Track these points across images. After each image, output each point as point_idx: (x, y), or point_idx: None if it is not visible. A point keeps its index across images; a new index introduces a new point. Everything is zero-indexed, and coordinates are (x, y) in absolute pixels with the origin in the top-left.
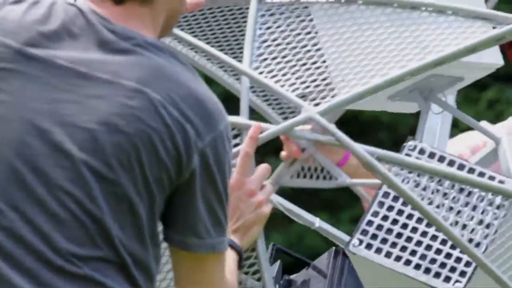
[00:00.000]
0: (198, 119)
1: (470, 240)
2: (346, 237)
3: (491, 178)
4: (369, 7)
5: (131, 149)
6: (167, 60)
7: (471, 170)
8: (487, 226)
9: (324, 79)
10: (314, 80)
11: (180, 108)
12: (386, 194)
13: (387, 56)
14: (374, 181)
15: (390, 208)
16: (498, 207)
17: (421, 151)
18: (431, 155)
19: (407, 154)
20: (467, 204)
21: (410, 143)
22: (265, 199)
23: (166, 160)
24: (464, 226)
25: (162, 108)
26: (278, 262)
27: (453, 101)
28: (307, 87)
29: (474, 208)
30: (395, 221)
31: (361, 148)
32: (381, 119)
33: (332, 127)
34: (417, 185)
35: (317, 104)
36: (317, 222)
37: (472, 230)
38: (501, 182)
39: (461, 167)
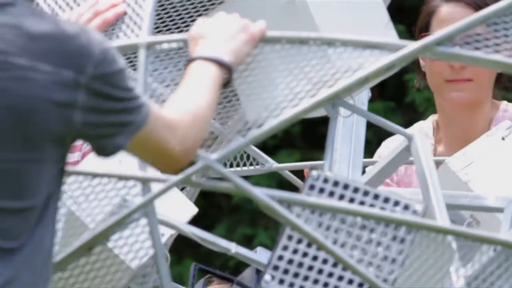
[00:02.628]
0: (63, 60)
1: (378, 276)
2: (264, 260)
3: (396, 203)
4: (257, 45)
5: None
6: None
7: (376, 197)
8: (393, 261)
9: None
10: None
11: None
12: None
13: (279, 95)
14: (303, 164)
15: (299, 241)
16: (402, 241)
17: (325, 181)
18: (335, 184)
19: (311, 185)
20: (370, 240)
21: (313, 173)
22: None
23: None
24: (369, 263)
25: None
26: (201, 281)
27: (366, 99)
28: None
29: (378, 244)
30: (305, 254)
31: (260, 193)
32: None
33: (230, 174)
34: (320, 224)
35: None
36: (234, 248)
37: (378, 266)
38: (406, 207)
39: (365, 193)
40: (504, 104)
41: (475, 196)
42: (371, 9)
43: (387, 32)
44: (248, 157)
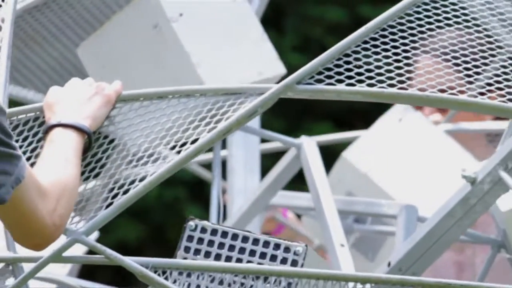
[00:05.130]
0: None
1: None
2: None
3: (277, 246)
4: (115, 106)
5: None
6: None
7: (256, 241)
8: None
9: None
10: None
11: None
12: None
13: (143, 156)
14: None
15: None
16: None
17: (203, 230)
18: (214, 232)
19: (189, 236)
20: None
21: (191, 224)
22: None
23: None
24: None
25: None
26: None
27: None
28: None
29: None
30: None
31: (133, 263)
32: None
33: (100, 246)
34: (198, 286)
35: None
36: None
37: None
38: (287, 249)
39: (245, 239)
40: None
41: (369, 203)
42: (244, 24)
43: (263, 45)
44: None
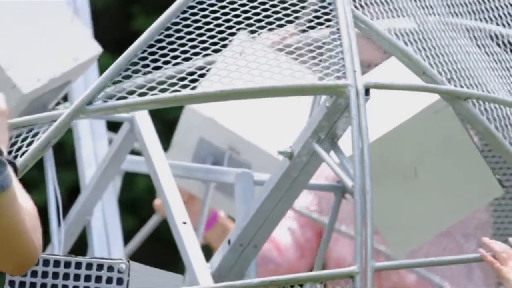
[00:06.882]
0: None
1: None
2: None
3: (100, 267)
4: None
5: None
6: None
7: (78, 265)
8: None
9: None
10: None
11: None
12: None
13: None
14: None
15: None
16: None
17: (46, 263)
18: (46, 264)
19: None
20: None
21: None
22: None
23: None
24: None
25: None
26: None
27: None
28: None
29: None
30: None
31: None
32: None
33: None
34: None
35: None
36: None
37: None
38: (110, 269)
39: (67, 265)
40: None
41: (208, 170)
42: (51, 13)
43: (74, 29)
44: None
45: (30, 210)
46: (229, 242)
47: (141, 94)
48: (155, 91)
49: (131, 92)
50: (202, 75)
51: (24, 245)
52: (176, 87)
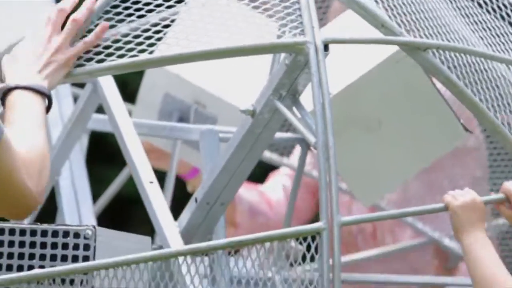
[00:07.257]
0: None
1: None
2: None
3: (66, 234)
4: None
5: None
6: None
7: (44, 233)
8: None
9: None
10: None
11: None
12: None
13: None
14: None
15: None
16: None
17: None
18: (1, 232)
19: None
20: None
21: None
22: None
23: None
24: None
25: None
26: None
27: None
28: None
29: None
30: None
31: None
32: None
33: None
34: None
35: None
36: None
37: None
38: (76, 235)
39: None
40: None
41: (173, 127)
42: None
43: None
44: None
45: (28, 157)
46: (196, 200)
47: (99, 61)
48: (113, 57)
49: (89, 59)
50: (159, 35)
51: (18, 194)
52: (134, 52)
